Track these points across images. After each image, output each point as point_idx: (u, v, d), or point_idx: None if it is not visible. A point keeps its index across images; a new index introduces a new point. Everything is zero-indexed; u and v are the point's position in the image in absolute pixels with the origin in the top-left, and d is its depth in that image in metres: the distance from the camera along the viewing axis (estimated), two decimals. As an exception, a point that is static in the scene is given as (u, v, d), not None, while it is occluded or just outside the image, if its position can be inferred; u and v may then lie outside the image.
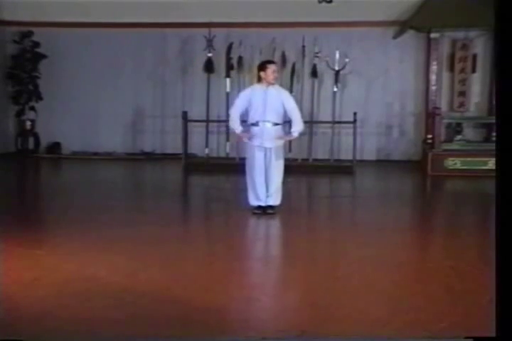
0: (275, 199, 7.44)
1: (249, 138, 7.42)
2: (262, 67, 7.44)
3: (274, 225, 7.00)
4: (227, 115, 12.12)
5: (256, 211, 7.39)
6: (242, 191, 7.76)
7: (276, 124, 7.43)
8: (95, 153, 13.33)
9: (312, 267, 5.46)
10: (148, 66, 13.36)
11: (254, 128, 7.41)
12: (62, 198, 9.09)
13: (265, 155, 7.36)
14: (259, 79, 7.47)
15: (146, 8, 12.71)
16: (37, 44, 13.30)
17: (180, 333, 3.86)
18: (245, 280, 5.18)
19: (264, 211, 7.38)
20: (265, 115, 7.34)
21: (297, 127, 7.45)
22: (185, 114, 11.87)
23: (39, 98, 13.42)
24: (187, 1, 12.51)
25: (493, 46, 11.97)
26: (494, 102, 11.93)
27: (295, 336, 3.81)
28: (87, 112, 13.50)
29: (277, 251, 6.26)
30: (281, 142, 7.51)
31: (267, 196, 7.38)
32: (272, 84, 7.40)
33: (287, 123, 7.83)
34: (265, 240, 6.76)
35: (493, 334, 2.95)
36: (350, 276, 5.12)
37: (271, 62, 7.81)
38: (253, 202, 7.46)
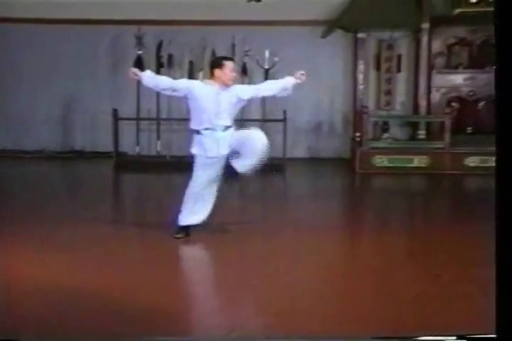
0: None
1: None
2: (218, 64, 6.00)
3: (209, 226, 6.88)
4: (158, 113, 12.24)
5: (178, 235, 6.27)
6: (175, 189, 7.46)
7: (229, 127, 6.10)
8: (23, 151, 13.06)
9: (250, 267, 5.52)
10: (79, 63, 13.15)
11: (205, 135, 6.05)
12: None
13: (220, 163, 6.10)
14: (212, 76, 6.06)
15: (83, 5, 12.55)
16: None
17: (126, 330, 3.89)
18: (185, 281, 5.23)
19: (188, 233, 6.32)
20: (218, 120, 5.99)
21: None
22: (115, 112, 11.78)
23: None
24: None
25: (426, 47, 12.23)
26: (418, 101, 12.34)
27: (295, 336, 3.83)
28: (16, 109, 13.22)
29: (207, 253, 6.29)
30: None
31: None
32: (228, 86, 6.00)
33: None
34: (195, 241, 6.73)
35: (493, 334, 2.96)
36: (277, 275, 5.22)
37: (228, 58, 6.29)
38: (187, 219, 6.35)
